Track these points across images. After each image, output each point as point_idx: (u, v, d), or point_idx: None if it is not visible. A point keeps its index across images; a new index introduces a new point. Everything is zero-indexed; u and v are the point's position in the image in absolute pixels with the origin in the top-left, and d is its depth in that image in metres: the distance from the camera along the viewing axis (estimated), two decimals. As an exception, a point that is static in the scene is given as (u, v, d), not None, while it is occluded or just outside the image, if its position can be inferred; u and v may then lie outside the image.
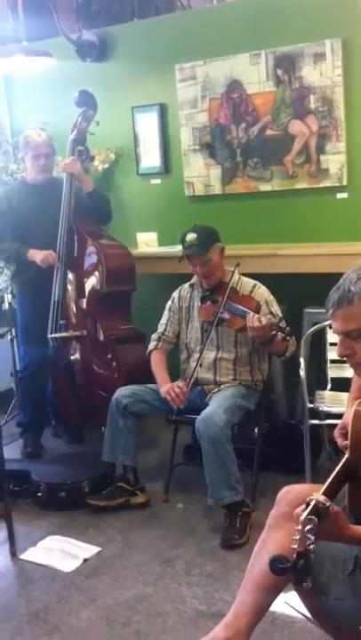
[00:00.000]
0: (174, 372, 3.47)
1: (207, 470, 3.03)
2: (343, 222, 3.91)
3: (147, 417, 3.55)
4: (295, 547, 1.47)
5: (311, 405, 3.30)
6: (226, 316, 3.21)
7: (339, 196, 3.93)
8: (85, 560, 2.91)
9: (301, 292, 3.73)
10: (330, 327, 3.47)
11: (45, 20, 4.33)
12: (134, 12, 4.69)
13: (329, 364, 3.53)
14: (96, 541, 3.05)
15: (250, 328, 3.04)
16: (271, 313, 3.21)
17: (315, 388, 3.47)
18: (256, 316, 3.06)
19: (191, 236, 3.25)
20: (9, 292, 4.43)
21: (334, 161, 3.89)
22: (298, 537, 1.47)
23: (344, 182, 3.88)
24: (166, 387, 3.26)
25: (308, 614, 2.19)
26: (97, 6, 4.72)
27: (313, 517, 1.50)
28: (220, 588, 2.63)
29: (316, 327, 3.50)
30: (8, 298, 4.47)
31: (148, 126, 4.42)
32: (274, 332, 3.05)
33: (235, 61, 4.04)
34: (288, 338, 3.10)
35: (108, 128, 4.27)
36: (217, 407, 3.07)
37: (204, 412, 3.05)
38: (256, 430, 3.45)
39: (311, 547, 1.46)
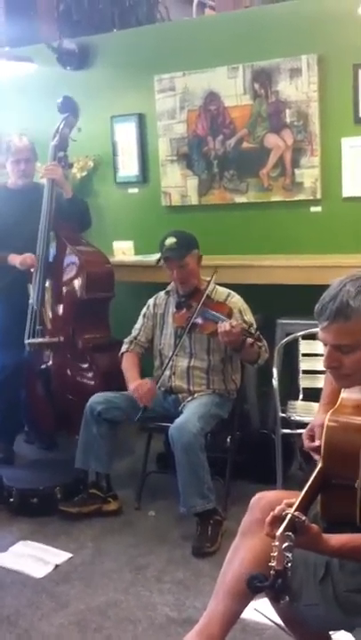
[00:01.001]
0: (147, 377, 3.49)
1: (180, 478, 3.05)
2: (317, 235, 3.98)
3: (121, 424, 3.57)
4: (273, 564, 1.47)
5: (283, 415, 3.34)
6: (199, 321, 3.24)
7: (313, 209, 4.00)
8: (57, 566, 2.92)
9: (275, 302, 3.79)
10: (303, 338, 3.55)
11: (27, 27, 4.36)
12: (115, 23, 4.74)
13: (301, 375, 3.59)
14: (68, 548, 3.05)
15: (221, 333, 3.06)
16: (244, 321, 3.25)
17: (287, 398, 3.52)
18: (227, 321, 3.10)
19: (170, 240, 3.29)
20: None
21: (309, 175, 3.96)
22: (276, 554, 1.49)
23: (318, 196, 3.95)
24: (135, 383, 3.29)
25: (279, 622, 2.23)
26: (78, 15, 4.76)
27: (290, 534, 1.51)
28: (190, 596, 2.65)
29: (288, 338, 3.54)
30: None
31: (126, 135, 4.46)
32: (244, 338, 3.08)
33: (213, 74, 4.10)
34: (259, 344, 3.13)
35: (87, 136, 4.31)
36: (191, 415, 3.10)
37: (178, 420, 3.08)
38: (229, 439, 3.48)
39: (289, 565, 1.48)
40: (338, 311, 1.67)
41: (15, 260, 3.81)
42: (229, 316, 3.18)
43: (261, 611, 2.45)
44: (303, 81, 3.88)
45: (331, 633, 2.11)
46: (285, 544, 1.47)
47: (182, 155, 4.28)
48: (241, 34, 4.03)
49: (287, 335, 3.60)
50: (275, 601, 1.48)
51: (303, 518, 1.56)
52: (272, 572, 1.46)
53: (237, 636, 2.39)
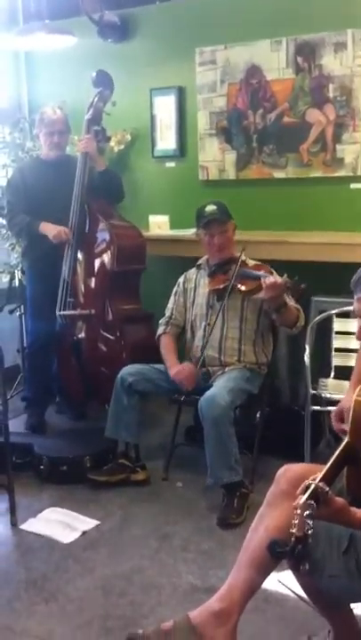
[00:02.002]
0: (181, 354, 3.51)
1: (208, 450, 3.06)
2: (356, 212, 3.93)
3: (151, 396, 3.59)
4: (294, 531, 1.49)
5: (314, 392, 3.33)
6: (238, 281, 3.25)
7: (353, 185, 3.95)
8: (84, 532, 2.96)
9: (310, 280, 3.74)
10: (337, 316, 3.52)
11: (68, -1, 4.34)
12: (157, -6, 4.68)
13: (333, 353, 3.56)
14: (95, 515, 3.09)
15: (267, 285, 3.07)
16: None
17: (318, 376, 3.50)
18: (272, 275, 3.12)
19: (211, 207, 3.35)
20: (19, 268, 4.47)
21: (350, 151, 3.90)
22: (297, 521, 1.50)
23: (359, 172, 3.90)
24: (176, 368, 3.30)
25: (301, 593, 2.24)
26: (121, -14, 4.71)
27: (312, 502, 1.53)
28: (215, 565, 2.67)
29: (322, 315, 3.52)
30: (18, 275, 4.50)
31: (165, 109, 4.43)
32: (287, 296, 3.13)
33: (255, 47, 4.05)
34: (297, 306, 3.20)
35: (125, 109, 4.30)
36: (221, 388, 3.10)
37: (208, 393, 3.09)
38: (258, 414, 3.48)
39: (310, 532, 1.49)
40: None
41: (48, 229, 3.81)
42: (270, 273, 3.19)
43: (284, 582, 2.49)
44: (348, 55, 3.81)
45: (352, 605, 2.10)
46: (307, 512, 1.48)
47: (221, 129, 4.25)
48: (285, 7, 3.96)
49: (321, 313, 3.57)
50: (295, 567, 1.49)
51: (326, 489, 1.56)
52: (293, 538, 1.46)
53: (260, 606, 2.40)
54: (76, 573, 2.67)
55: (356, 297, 1.72)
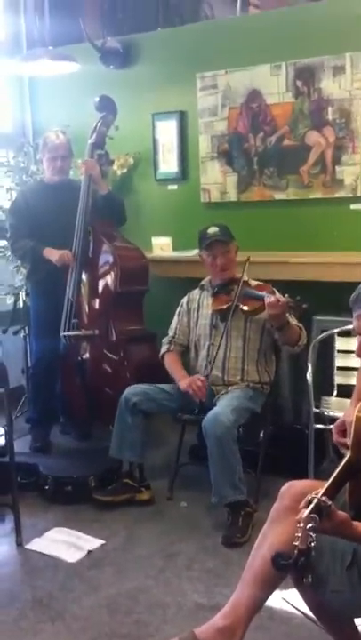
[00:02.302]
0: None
1: (212, 469, 3.08)
2: (357, 232, 3.98)
3: (155, 416, 3.62)
4: (297, 544, 1.52)
5: (317, 410, 3.35)
6: (241, 301, 3.30)
7: (353, 206, 4.01)
8: (89, 552, 2.97)
9: (311, 299, 3.77)
10: (338, 335, 3.55)
11: (71, 26, 4.43)
12: (159, 21, 4.79)
13: (336, 371, 3.59)
14: (100, 534, 3.10)
15: (269, 304, 3.11)
16: None
17: (321, 394, 3.52)
18: (274, 295, 3.16)
19: (214, 229, 3.42)
20: (24, 290, 4.51)
21: (349, 172, 3.96)
22: (300, 534, 1.53)
23: (358, 193, 3.96)
24: (187, 380, 3.33)
25: (306, 611, 2.25)
26: (123, 14, 4.82)
27: (315, 516, 1.55)
28: (220, 583, 2.68)
29: (324, 334, 3.55)
30: (23, 296, 4.55)
31: (167, 133, 4.51)
32: (289, 315, 3.17)
33: (255, 72, 4.13)
34: (299, 324, 3.24)
35: (128, 133, 4.38)
36: (224, 407, 3.13)
37: (212, 412, 3.11)
38: (262, 433, 3.50)
39: (312, 544, 1.51)
40: None
41: (51, 254, 3.88)
42: (272, 293, 3.23)
43: (289, 600, 2.50)
44: (347, 78, 3.88)
45: (357, 622, 2.11)
46: (309, 525, 1.50)
47: (222, 152, 4.31)
48: (284, 32, 4.05)
49: (323, 332, 3.61)
50: (298, 580, 1.51)
51: (329, 503, 1.58)
52: (296, 550, 1.48)
53: (265, 624, 2.41)
54: (82, 592, 2.68)
55: (355, 314, 1.76)
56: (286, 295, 3.16)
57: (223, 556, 2.91)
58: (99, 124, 3.98)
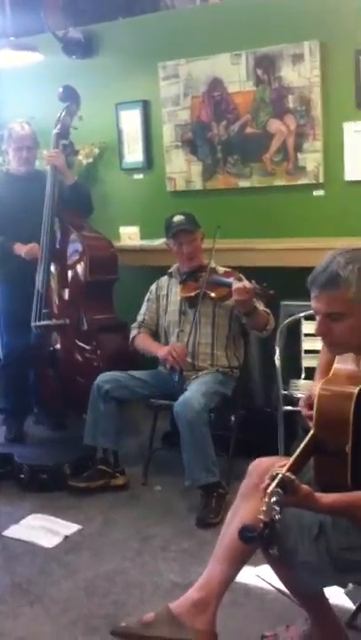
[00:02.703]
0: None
1: (185, 453, 3.15)
2: (319, 219, 4.06)
3: (128, 404, 3.67)
4: (262, 517, 1.60)
5: (286, 392, 3.44)
6: (209, 288, 3.36)
7: (315, 193, 4.08)
8: (66, 537, 3.03)
9: (278, 285, 3.85)
10: (305, 319, 3.63)
11: (32, 16, 4.43)
12: (120, 11, 4.80)
13: (303, 354, 3.67)
14: (77, 520, 3.16)
15: (236, 290, 3.17)
16: None
17: (290, 377, 3.61)
18: (241, 281, 3.22)
19: (179, 218, 3.47)
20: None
21: (311, 159, 4.03)
22: (264, 508, 1.60)
23: (320, 180, 4.03)
24: (165, 349, 3.40)
25: (280, 587, 2.34)
26: (84, 4, 4.82)
27: (278, 490, 1.63)
28: (195, 563, 2.75)
29: (291, 318, 3.63)
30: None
31: (131, 122, 4.54)
32: (256, 301, 3.23)
33: (216, 61, 4.17)
34: (267, 310, 3.31)
35: (92, 123, 4.39)
36: (195, 392, 3.20)
37: (183, 397, 3.18)
38: (233, 417, 3.57)
39: (277, 517, 1.59)
40: (328, 280, 1.77)
41: (21, 249, 3.92)
42: (239, 280, 3.30)
43: (264, 577, 2.58)
44: (306, 67, 3.94)
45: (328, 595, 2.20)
46: (273, 499, 1.58)
47: (186, 140, 4.36)
48: (244, 21, 4.09)
49: (290, 316, 3.68)
50: (265, 551, 1.58)
51: (293, 477, 1.66)
52: (261, 523, 1.56)
53: (240, 600, 2.50)
54: (60, 576, 2.74)
55: (312, 295, 1.83)
56: (253, 281, 3.23)
57: (198, 536, 2.98)
58: (63, 114, 4.00)
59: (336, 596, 2.45)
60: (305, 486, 1.73)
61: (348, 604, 2.43)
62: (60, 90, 4.01)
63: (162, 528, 3.08)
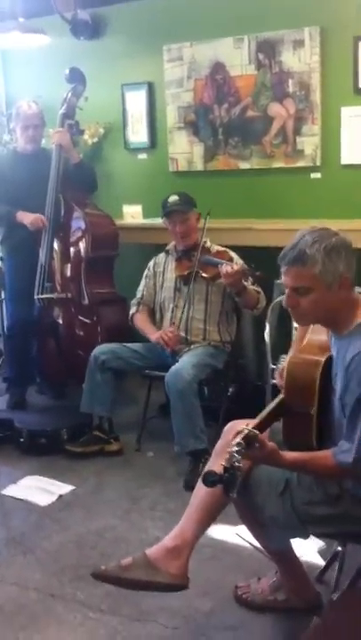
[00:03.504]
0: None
1: (175, 420, 3.31)
2: (316, 200, 4.17)
3: (125, 375, 3.84)
4: (223, 463, 1.77)
5: (274, 367, 3.58)
6: (201, 268, 3.50)
7: (313, 175, 4.19)
8: (60, 496, 3.22)
9: (272, 265, 3.97)
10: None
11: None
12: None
13: (294, 331, 3.80)
14: (71, 481, 3.35)
15: (224, 273, 3.32)
16: None
17: (280, 353, 3.75)
18: (230, 263, 3.37)
19: (173, 198, 3.59)
20: None
21: (309, 142, 4.14)
22: (227, 456, 1.77)
23: (318, 163, 4.14)
24: (157, 333, 3.56)
25: (255, 544, 2.51)
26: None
27: (241, 442, 1.79)
28: (179, 521, 2.92)
29: (282, 297, 3.75)
30: (-1, 263, 4.73)
31: (136, 103, 4.66)
32: (245, 280, 3.36)
33: (219, 45, 4.28)
34: (257, 289, 3.44)
35: (98, 103, 4.53)
36: (185, 363, 3.36)
37: (174, 368, 3.34)
38: (229, 390, 3.73)
39: (237, 464, 1.75)
40: (296, 257, 1.92)
41: (25, 217, 4.04)
42: (230, 260, 3.45)
43: (241, 535, 2.75)
44: (306, 52, 4.04)
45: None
46: (235, 448, 1.74)
47: (189, 122, 4.48)
48: (246, 6, 4.19)
49: (282, 294, 3.81)
50: (225, 494, 1.75)
51: (256, 432, 1.82)
52: (222, 469, 1.72)
53: (218, 555, 2.67)
54: (52, 531, 2.93)
55: (282, 270, 1.98)
56: (241, 263, 3.37)
57: (184, 498, 3.09)
58: (69, 94, 4.14)
59: (309, 554, 2.63)
60: (270, 443, 1.89)
61: (320, 562, 2.60)
62: (67, 71, 4.15)
63: (151, 490, 3.26)
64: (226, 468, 1.72)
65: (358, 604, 1.94)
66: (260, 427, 1.91)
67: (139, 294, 3.81)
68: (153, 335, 3.58)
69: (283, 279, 1.99)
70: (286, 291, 1.99)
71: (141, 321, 3.73)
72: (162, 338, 3.51)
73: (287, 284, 1.98)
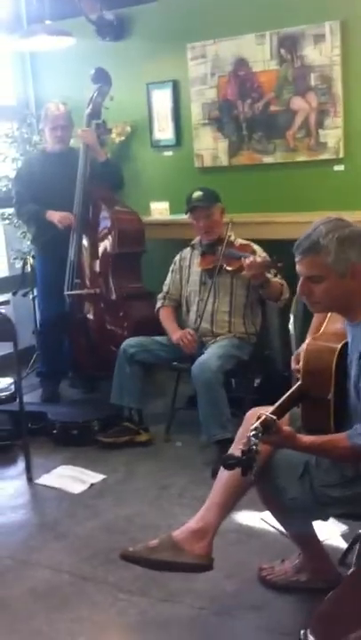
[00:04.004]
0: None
1: (201, 411, 3.40)
2: (339, 193, 4.21)
3: (154, 367, 3.93)
4: (241, 447, 1.85)
5: (298, 356, 3.64)
6: (225, 261, 3.58)
7: (336, 168, 4.23)
8: (92, 485, 3.33)
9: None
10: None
11: (68, 1, 4.64)
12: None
13: (319, 322, 3.86)
14: (102, 471, 3.46)
15: (247, 265, 3.39)
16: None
17: (305, 343, 3.81)
18: (253, 256, 3.44)
19: (197, 194, 3.67)
20: (31, 255, 4.81)
21: (332, 135, 4.18)
22: (245, 440, 1.85)
23: (341, 155, 4.18)
24: (178, 334, 3.65)
25: (280, 528, 2.59)
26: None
27: (259, 426, 1.88)
28: (206, 508, 3.01)
29: (306, 288, 3.81)
30: (30, 260, 4.85)
31: (161, 101, 4.74)
32: (268, 273, 3.42)
33: (241, 41, 4.34)
34: (280, 281, 3.49)
35: (125, 103, 4.63)
36: (211, 355, 3.44)
37: (200, 359, 3.43)
38: (257, 382, 3.80)
39: (254, 447, 1.83)
40: (309, 247, 1.99)
41: (53, 216, 4.16)
42: (253, 253, 3.52)
43: (266, 520, 2.82)
44: (327, 46, 4.08)
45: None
46: (253, 432, 1.82)
47: (213, 118, 4.55)
48: (268, 2, 4.24)
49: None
50: (243, 475, 1.83)
51: (274, 417, 1.90)
52: (240, 452, 1.80)
53: (243, 539, 2.76)
54: (84, 517, 3.04)
55: (296, 260, 2.05)
56: (264, 255, 3.43)
57: (211, 486, 3.18)
58: (94, 95, 4.24)
59: (333, 537, 2.69)
60: (287, 428, 1.97)
61: (343, 544, 2.66)
62: (92, 72, 4.25)
63: (179, 478, 3.35)
64: (243, 452, 1.81)
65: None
66: (278, 412, 1.99)
67: (165, 288, 3.90)
68: (174, 335, 3.67)
69: (297, 268, 2.06)
70: (301, 279, 2.06)
71: (165, 318, 3.82)
72: (181, 340, 3.60)
73: (301, 272, 2.05)
